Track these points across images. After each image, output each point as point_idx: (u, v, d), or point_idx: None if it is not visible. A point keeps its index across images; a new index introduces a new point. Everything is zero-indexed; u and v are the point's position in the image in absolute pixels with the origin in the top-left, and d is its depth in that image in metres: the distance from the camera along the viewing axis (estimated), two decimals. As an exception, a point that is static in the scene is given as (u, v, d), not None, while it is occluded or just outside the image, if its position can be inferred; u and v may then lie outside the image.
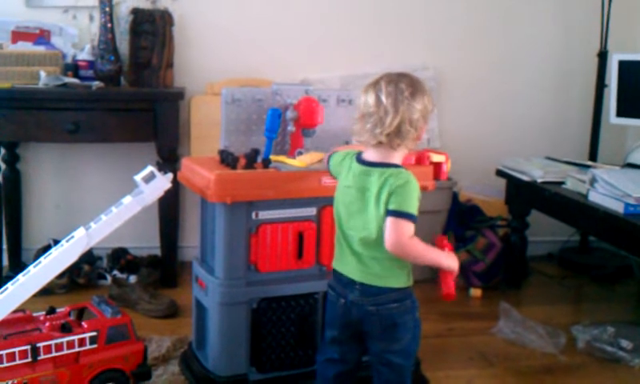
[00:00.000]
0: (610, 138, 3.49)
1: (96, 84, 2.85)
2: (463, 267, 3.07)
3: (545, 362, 2.45)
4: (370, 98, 1.69)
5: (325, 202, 2.00)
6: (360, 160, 1.75)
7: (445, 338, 2.63)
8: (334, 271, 1.81)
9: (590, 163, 3.11)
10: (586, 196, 2.63)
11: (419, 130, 1.70)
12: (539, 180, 2.89)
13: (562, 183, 2.83)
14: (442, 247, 1.77)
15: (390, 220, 1.64)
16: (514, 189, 3.14)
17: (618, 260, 3.46)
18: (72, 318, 2.01)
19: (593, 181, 2.61)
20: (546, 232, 3.52)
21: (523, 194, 3.06)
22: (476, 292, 3.07)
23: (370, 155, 1.73)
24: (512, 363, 2.43)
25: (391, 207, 1.65)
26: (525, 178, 2.97)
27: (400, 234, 1.64)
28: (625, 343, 2.49)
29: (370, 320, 1.72)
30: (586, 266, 3.43)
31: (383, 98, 1.66)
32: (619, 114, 3.13)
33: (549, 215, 3.00)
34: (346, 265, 1.76)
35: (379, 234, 1.67)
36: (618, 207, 2.43)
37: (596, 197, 2.57)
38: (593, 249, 3.59)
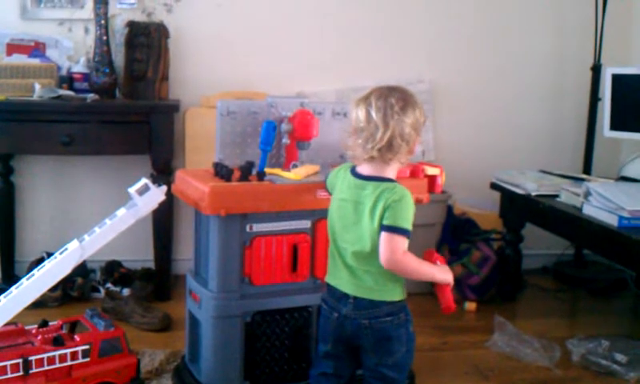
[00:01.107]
0: (603, 152, 3.49)
1: (91, 96, 2.85)
2: (458, 281, 3.06)
3: (539, 375, 2.44)
4: (361, 113, 1.70)
5: (319, 215, 2.00)
6: (354, 173, 1.75)
7: (439, 352, 2.62)
8: (328, 285, 1.80)
9: (584, 176, 3.12)
10: (580, 209, 2.63)
11: (411, 144, 1.71)
12: (533, 193, 2.89)
13: (557, 196, 2.83)
14: (432, 261, 1.77)
15: (384, 235, 1.64)
16: (508, 202, 3.14)
17: (612, 273, 3.46)
18: (65, 331, 2.00)
19: (587, 194, 2.61)
20: (540, 245, 3.53)
21: (517, 207, 3.06)
22: (471, 305, 3.06)
23: (364, 169, 1.74)
24: (507, 377, 2.42)
25: (386, 222, 1.65)
26: (519, 191, 2.97)
27: (394, 250, 1.63)
28: (619, 357, 2.48)
29: (364, 334, 1.72)
30: (581, 279, 3.43)
31: (373, 113, 1.67)
32: (613, 127, 3.14)
33: (543, 228, 3.00)
34: (339, 279, 1.75)
35: (373, 247, 1.67)
36: (612, 220, 2.43)
37: (590, 210, 2.57)
38: (587, 262, 3.59)
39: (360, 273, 1.71)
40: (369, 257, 1.68)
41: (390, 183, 1.70)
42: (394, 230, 1.64)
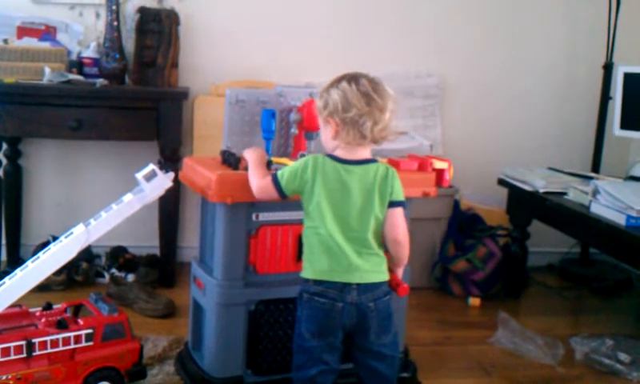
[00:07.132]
0: (613, 150, 3.48)
1: (100, 82, 2.85)
2: (462, 276, 3.06)
3: (542, 372, 2.44)
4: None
5: (325, 206, 1.99)
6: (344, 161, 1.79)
7: (442, 347, 2.62)
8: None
9: (592, 175, 3.10)
10: (587, 207, 2.62)
11: None
12: (541, 190, 2.88)
13: (564, 194, 2.82)
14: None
15: (398, 211, 1.79)
16: (515, 198, 3.13)
17: (618, 272, 3.45)
18: (68, 314, 2.00)
19: (595, 192, 2.60)
20: (546, 242, 3.52)
21: (525, 204, 3.05)
22: (475, 301, 3.05)
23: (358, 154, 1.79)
24: (509, 373, 2.42)
25: (395, 198, 1.78)
26: (527, 187, 2.96)
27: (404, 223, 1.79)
28: (623, 356, 2.48)
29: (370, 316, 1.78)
30: (587, 277, 3.42)
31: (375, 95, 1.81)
32: (623, 126, 3.12)
33: (550, 226, 2.99)
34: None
35: (378, 227, 1.77)
36: (619, 219, 2.42)
37: (598, 208, 2.56)
38: (593, 261, 3.58)
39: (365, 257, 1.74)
40: (370, 238, 1.73)
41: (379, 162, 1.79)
42: (402, 204, 1.77)
